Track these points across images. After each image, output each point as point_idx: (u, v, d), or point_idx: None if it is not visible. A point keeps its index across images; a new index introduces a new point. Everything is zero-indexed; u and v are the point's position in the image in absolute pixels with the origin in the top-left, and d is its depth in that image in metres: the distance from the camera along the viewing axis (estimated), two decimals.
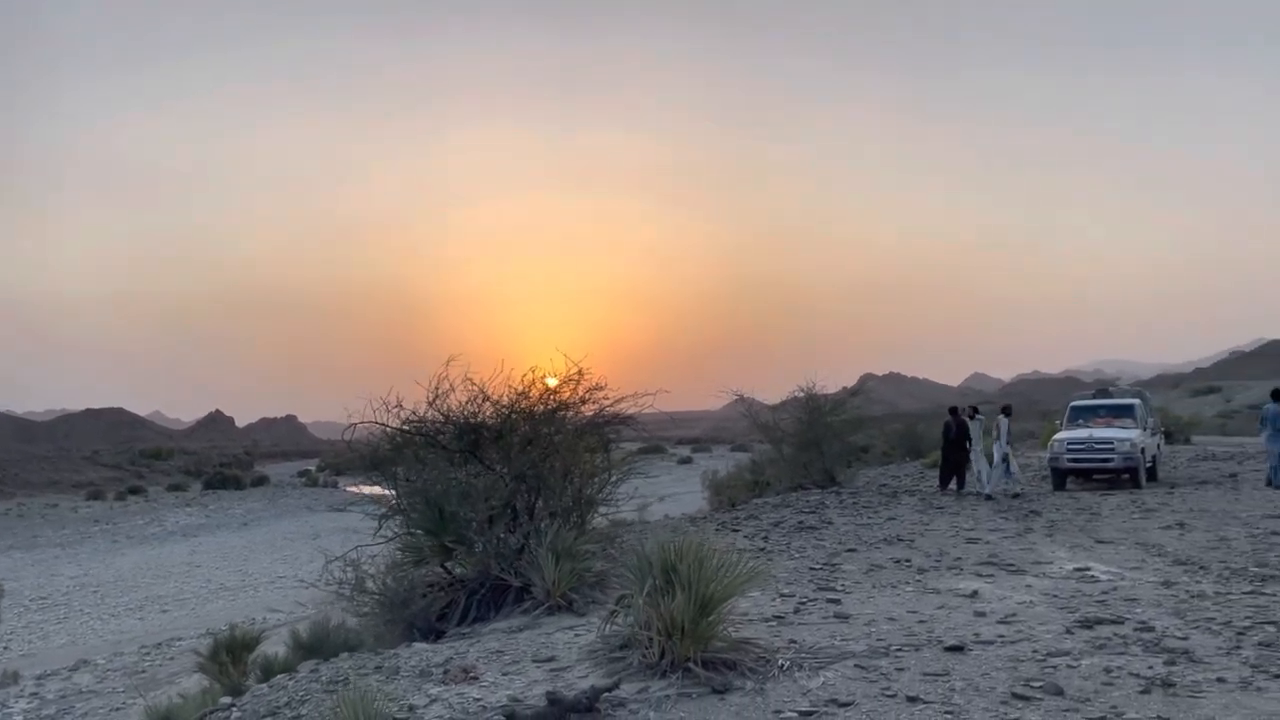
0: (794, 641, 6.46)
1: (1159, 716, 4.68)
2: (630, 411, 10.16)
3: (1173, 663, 5.68)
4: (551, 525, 8.56)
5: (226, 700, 6.62)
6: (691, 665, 5.38)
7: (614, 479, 9.92)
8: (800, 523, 13.96)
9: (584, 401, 9.68)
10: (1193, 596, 7.74)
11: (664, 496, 24.65)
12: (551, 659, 6.22)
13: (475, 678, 5.78)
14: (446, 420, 9.26)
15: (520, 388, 9.55)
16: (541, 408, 9.48)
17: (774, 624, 7.14)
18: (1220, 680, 5.31)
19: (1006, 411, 18.92)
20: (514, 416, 9.31)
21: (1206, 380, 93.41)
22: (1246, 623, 6.66)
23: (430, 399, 9.11)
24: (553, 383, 9.74)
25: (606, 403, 9.82)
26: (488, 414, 9.35)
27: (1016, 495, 17.38)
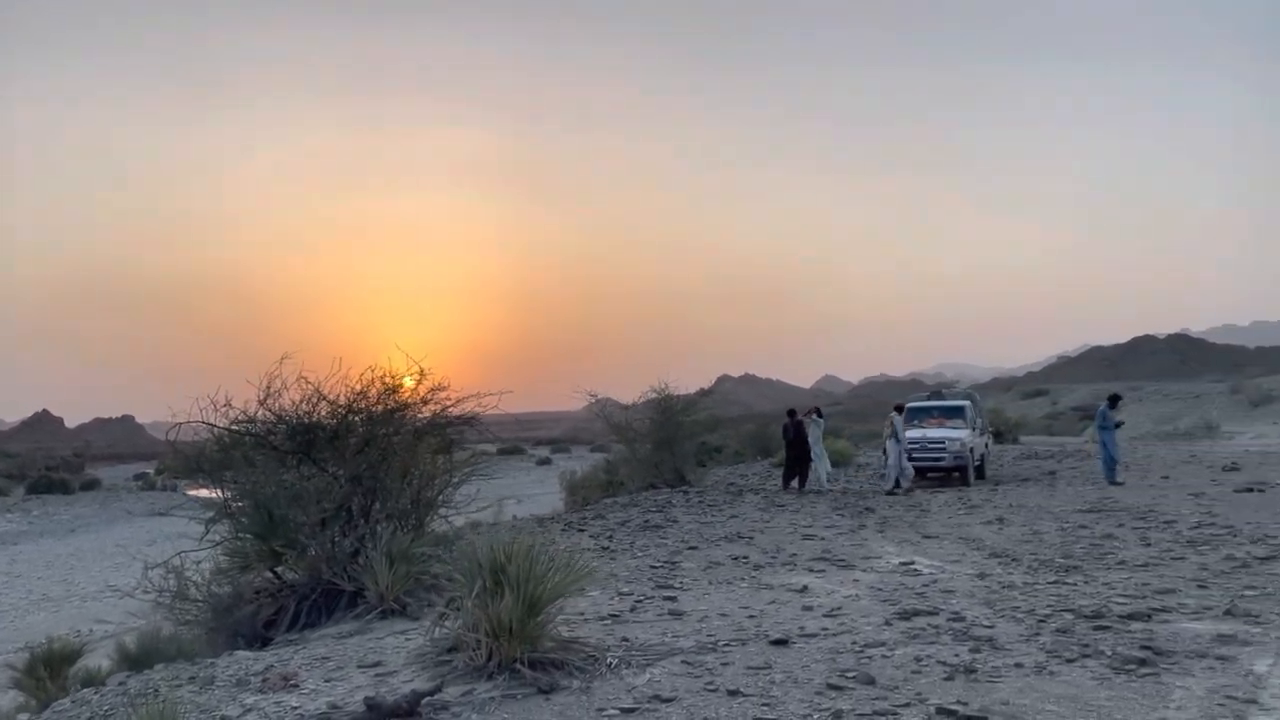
0: (626, 639, 6.52)
1: (958, 700, 4.94)
2: (474, 412, 10.03)
3: (977, 650, 6.01)
4: (388, 528, 8.39)
5: (24, 717, 6.22)
6: (519, 666, 5.37)
7: (455, 481, 9.78)
8: (646, 521, 14.12)
9: (425, 402, 9.52)
10: (1003, 587, 8.20)
11: (521, 498, 24.60)
12: (378, 664, 6.10)
13: (295, 685, 5.61)
14: (279, 420, 8.95)
15: (358, 387, 9.31)
16: (380, 408, 9.27)
17: (609, 622, 7.20)
18: (1018, 665, 5.65)
19: (899, 410, 19.64)
20: (351, 417, 9.07)
21: (1036, 383, 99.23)
22: (1048, 611, 7.10)
23: (261, 398, 8.79)
24: (409, 383, 9.56)
25: (449, 403, 9.67)
26: (323, 414, 9.09)
27: (901, 490, 18.10)
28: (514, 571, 5.54)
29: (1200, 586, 7.88)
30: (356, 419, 9.14)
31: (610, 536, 12.70)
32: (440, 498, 9.64)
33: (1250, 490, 15.46)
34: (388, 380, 9.30)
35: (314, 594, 8.15)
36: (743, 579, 9.12)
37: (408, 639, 6.80)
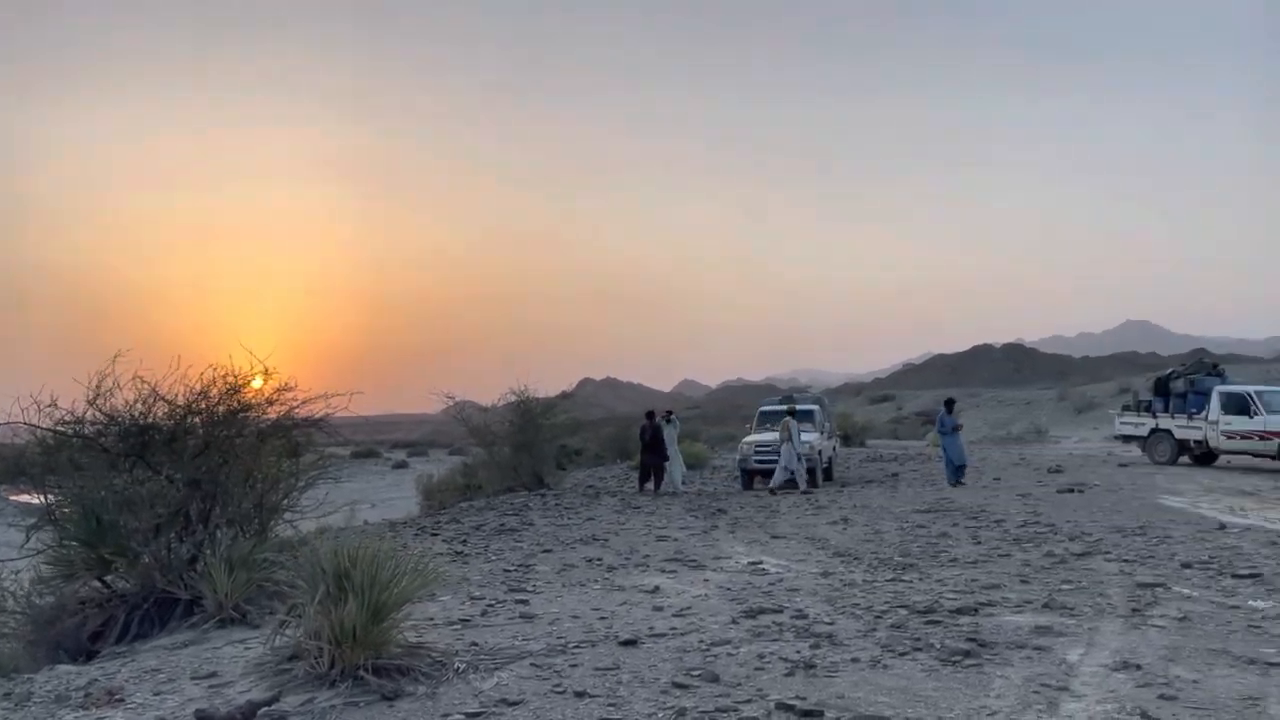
0: (476, 644, 6.47)
1: (797, 695, 5.11)
2: (323, 414, 9.76)
3: (817, 646, 6.23)
4: (228, 533, 8.07)
5: None
6: (363, 673, 5.26)
7: (302, 485, 9.49)
8: (502, 525, 14.03)
9: (270, 403, 9.20)
10: (845, 585, 8.52)
11: (375, 502, 23.99)
12: (213, 675, 5.86)
13: (121, 700, 5.33)
14: (111, 421, 8.49)
15: (199, 387, 8.93)
16: (222, 409, 8.91)
17: (459, 627, 7.12)
18: (855, 660, 5.89)
19: (792, 414, 19.99)
20: (190, 418, 8.69)
21: (883, 389, 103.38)
22: (885, 607, 7.42)
23: (90, 398, 8.32)
24: (258, 383, 9.21)
25: (296, 404, 9.37)
26: (160, 415, 8.67)
27: (791, 488, 18.48)
28: (359, 577, 5.43)
29: (1023, 582, 8.38)
30: (196, 420, 8.75)
31: (464, 540, 12.57)
32: (285, 502, 9.33)
33: (1071, 491, 16.54)
34: (230, 380, 8.94)
35: (146, 603, 7.75)
36: (596, 581, 9.18)
37: (247, 648, 6.56)
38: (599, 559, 10.55)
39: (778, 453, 19.68)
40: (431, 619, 7.22)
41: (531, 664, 5.90)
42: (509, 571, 9.84)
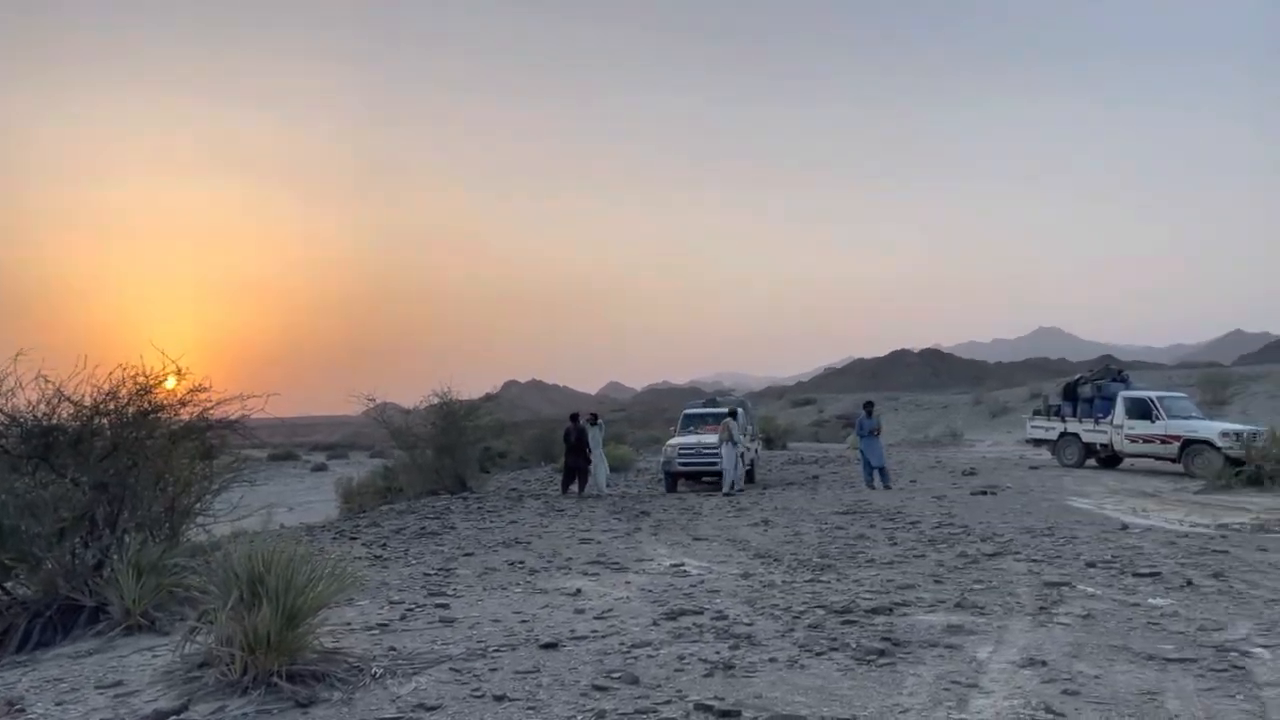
0: (394, 648, 6.40)
1: (715, 696, 5.16)
2: (238, 415, 9.53)
3: (736, 647, 6.30)
4: (137, 538, 7.82)
5: None
6: (276, 679, 5.16)
7: (216, 488, 9.25)
8: (423, 528, 13.87)
9: (183, 404, 8.95)
10: (764, 586, 8.63)
11: (293, 505, 23.50)
12: (119, 684, 5.68)
13: (22, 710, 5.14)
14: (12, 422, 8.17)
15: (108, 387, 8.64)
16: (132, 409, 8.64)
17: (377, 632, 7.02)
18: (773, 660, 5.97)
19: (733, 415, 20.09)
20: (97, 419, 8.41)
21: (805, 393, 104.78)
22: (803, 608, 7.53)
23: None
24: (172, 383, 8.95)
25: (209, 405, 9.14)
26: (65, 416, 8.37)
27: (737, 490, 18.72)
28: (273, 581, 5.32)
29: (937, 582, 8.59)
30: (104, 422, 8.47)
31: (384, 544, 12.39)
32: (198, 505, 9.09)
33: (984, 493, 16.99)
34: (141, 380, 8.68)
35: (49, 611, 7.47)
36: (518, 584, 9.13)
37: (155, 656, 6.37)
38: (521, 562, 10.50)
39: (702, 455, 19.84)
40: (349, 624, 7.11)
41: (451, 668, 5.86)
42: (429, 575, 9.73)
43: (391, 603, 8.22)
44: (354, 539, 13.14)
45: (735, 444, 19.19)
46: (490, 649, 6.39)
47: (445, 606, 8.00)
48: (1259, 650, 6.02)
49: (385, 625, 7.26)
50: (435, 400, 22.21)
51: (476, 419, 22.77)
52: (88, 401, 8.50)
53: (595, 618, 7.41)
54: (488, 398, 24.54)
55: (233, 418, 9.36)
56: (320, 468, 48.66)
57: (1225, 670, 5.57)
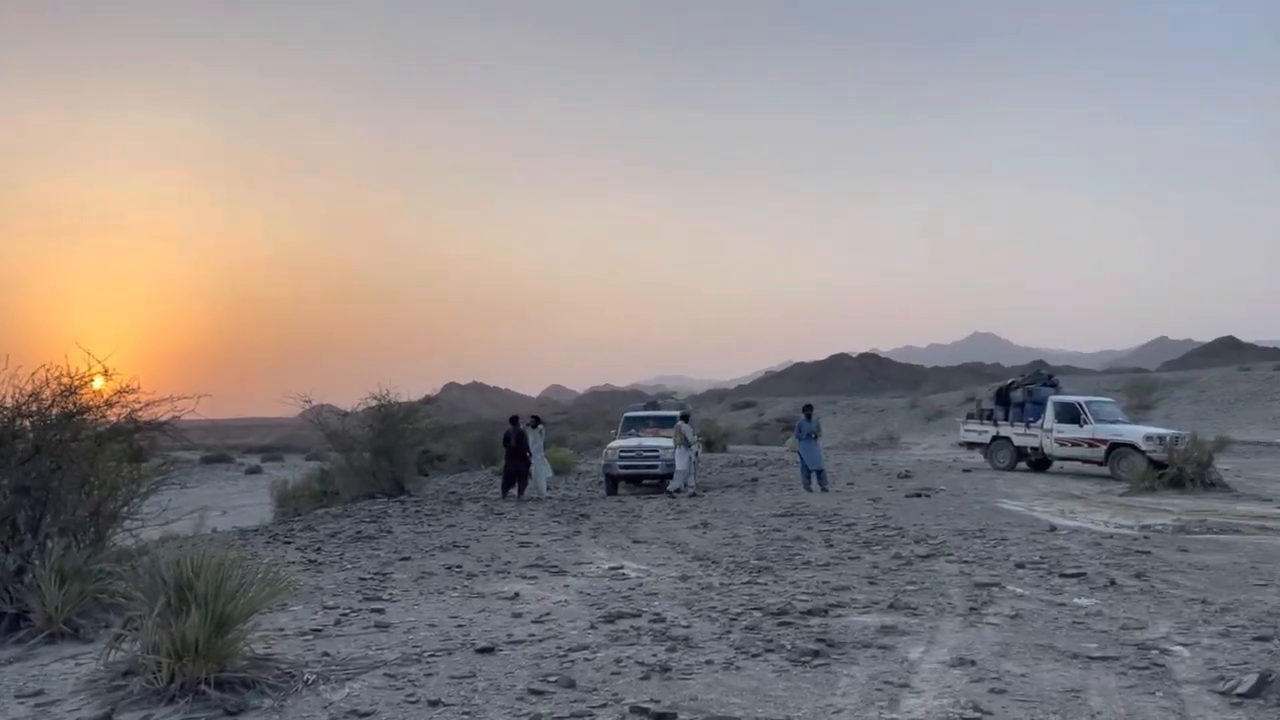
0: (327, 654, 6.31)
1: (651, 699, 5.19)
2: (168, 417, 9.31)
3: (673, 649, 6.33)
4: (61, 542, 7.60)
5: None
6: (204, 687, 5.06)
7: (144, 491, 9.02)
8: (359, 532, 13.69)
9: (109, 405, 8.72)
10: (702, 588, 8.68)
11: (226, 509, 23.03)
12: (39, 693, 5.52)
13: None
14: None
15: (30, 388, 8.39)
16: (55, 411, 8.39)
17: (310, 637, 6.92)
18: (709, 662, 6.01)
19: (686, 418, 20.09)
20: (18, 421, 8.15)
21: (745, 396, 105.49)
22: (740, 610, 7.59)
23: None
24: (98, 384, 8.70)
25: (138, 406, 8.91)
26: None
27: (687, 492, 18.81)
28: (203, 587, 5.22)
29: (871, 583, 8.72)
30: (26, 423, 8.22)
31: (319, 548, 12.20)
32: (125, 509, 8.85)
33: (919, 495, 17.27)
34: (66, 381, 8.44)
35: None
36: (455, 588, 9.07)
37: (78, 664, 6.20)
38: (459, 566, 10.42)
39: (643, 458, 19.90)
40: (282, 630, 7.01)
41: (385, 674, 5.80)
42: (365, 580, 9.62)
43: (326, 608, 8.11)
44: (288, 543, 12.93)
45: (690, 446, 19.38)
46: (426, 654, 6.33)
47: (381, 611, 7.92)
48: (1178, 648, 6.22)
49: (319, 631, 7.17)
50: (373, 402, 21.95)
51: (415, 421, 22.56)
52: (9, 403, 8.24)
53: (533, 622, 7.39)
54: (427, 400, 24.33)
55: (162, 419, 9.14)
56: (255, 470, 47.80)
57: (1146, 668, 5.74)
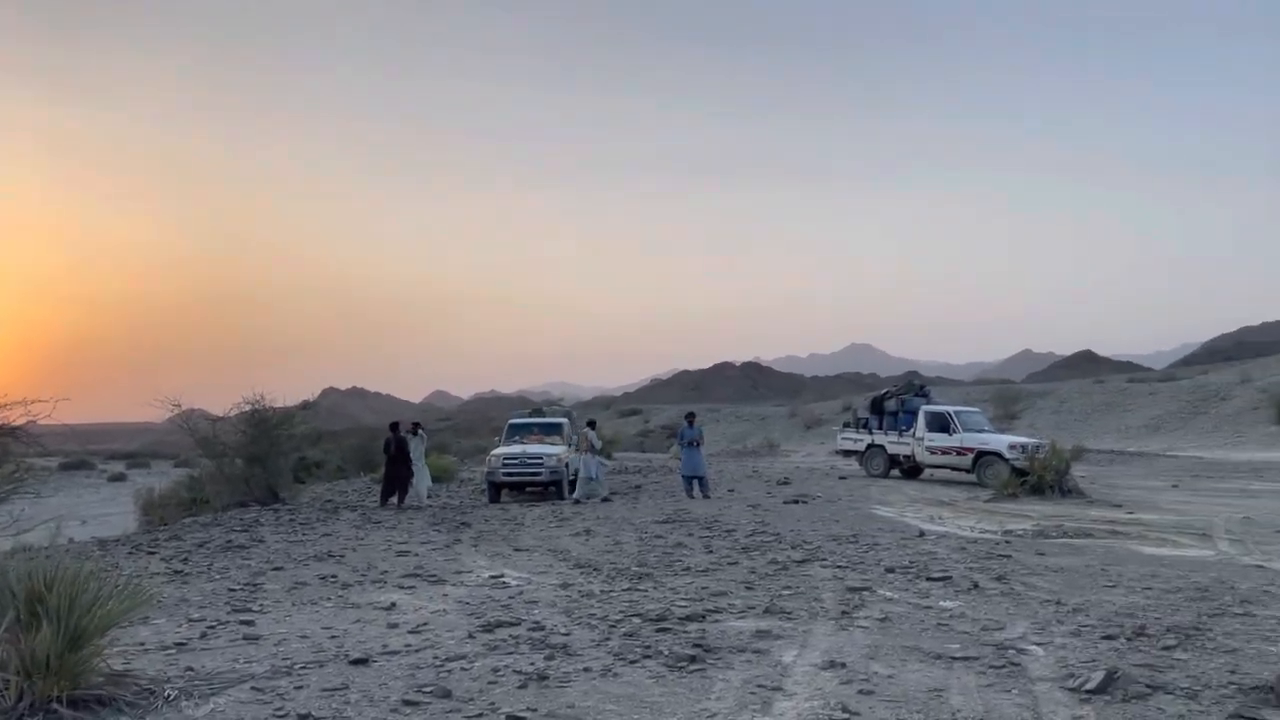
0: (191, 668, 6.08)
1: (528, 707, 5.18)
2: (23, 421, 8.86)
3: (552, 657, 6.32)
4: None
5: None
6: (56, 706, 4.81)
7: None
8: (229, 542, 13.22)
9: None
10: (583, 596, 8.69)
11: (86, 518, 21.87)
12: None
13: None
14: None
15: None
16: None
17: (174, 651, 6.66)
18: (587, 670, 6.03)
19: (592, 425, 19.92)
20: None
21: (632, 403, 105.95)
22: (619, 617, 7.63)
23: None
24: None
25: None
26: None
27: (597, 498, 18.91)
28: (55, 600, 4.97)
29: (748, 588, 8.89)
30: None
31: (185, 558, 11.73)
32: None
33: (797, 502, 17.69)
34: None
35: None
36: (329, 599, 8.85)
37: None
38: (334, 576, 10.17)
39: (527, 465, 19.80)
40: (143, 644, 6.73)
41: (253, 687, 5.62)
42: (234, 591, 9.30)
43: (191, 620, 7.82)
44: (152, 553, 12.40)
45: (596, 452, 19.63)
46: (296, 666, 6.17)
47: (250, 623, 7.67)
48: (1033, 648, 6.53)
49: (183, 644, 6.90)
50: (247, 407, 21.21)
51: (291, 427, 21.90)
52: None
53: (409, 632, 7.27)
54: (304, 405, 23.59)
55: (15, 424, 8.69)
56: (118, 477, 45.59)
57: (1003, 667, 6.02)
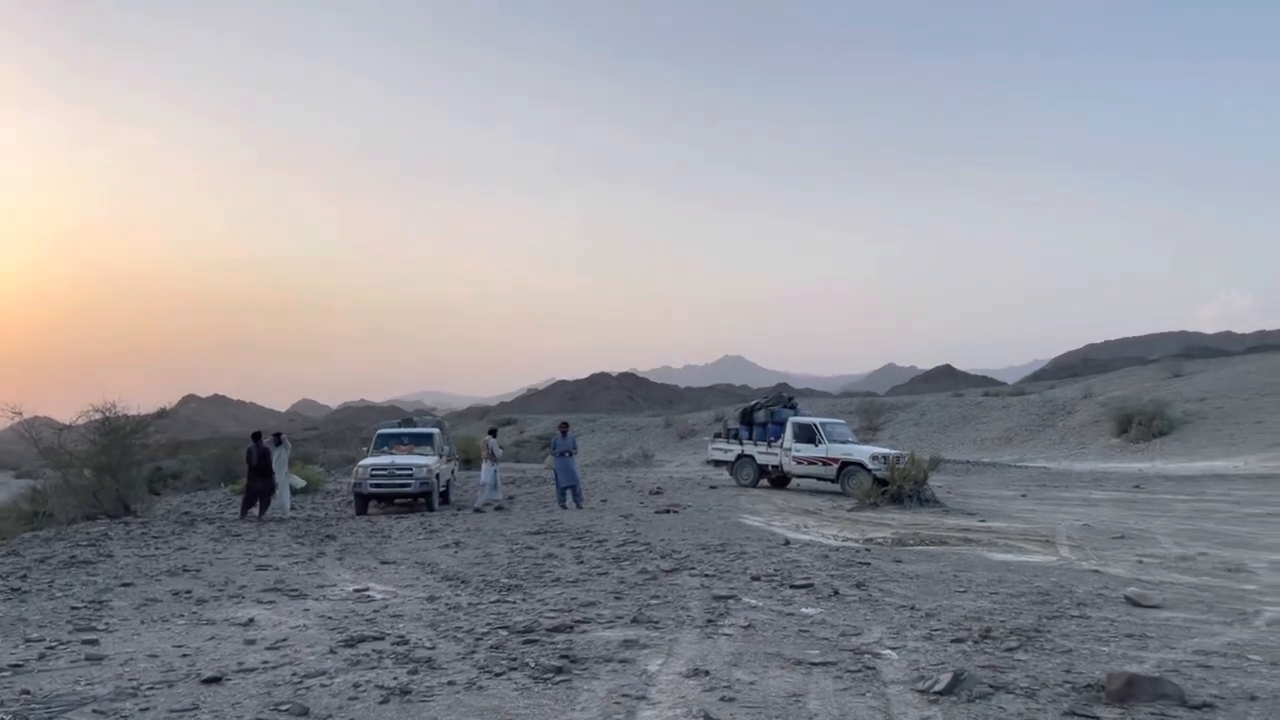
0: (27, 691, 5.75)
1: None
2: None
3: (415, 671, 6.23)
4: None
5: None
6: None
7: None
8: (73, 557, 12.51)
9: None
10: (450, 609, 8.58)
11: None
12: None
13: None
14: None
15: None
16: None
17: (9, 674, 6.28)
18: (451, 683, 5.96)
19: (493, 433, 19.55)
20: None
21: (507, 413, 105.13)
22: (486, 629, 7.56)
23: None
24: None
25: None
26: None
27: (500, 507, 19.13)
28: None
29: (617, 598, 8.94)
30: None
31: (24, 575, 11.05)
32: None
33: (668, 512, 17.89)
34: None
35: None
36: (182, 615, 8.49)
37: None
38: (188, 591, 9.76)
39: (396, 476, 19.44)
40: None
41: (95, 710, 5.36)
42: (77, 609, 8.81)
43: (28, 640, 7.39)
44: None
45: (495, 460, 20.05)
46: (144, 687, 5.90)
47: (94, 643, 7.29)
48: (888, 652, 6.79)
49: (19, 666, 6.52)
50: (96, 415, 20.13)
51: (145, 436, 20.90)
52: None
53: (267, 648, 7.04)
54: (161, 414, 22.44)
55: None
56: None
57: (859, 671, 6.23)
